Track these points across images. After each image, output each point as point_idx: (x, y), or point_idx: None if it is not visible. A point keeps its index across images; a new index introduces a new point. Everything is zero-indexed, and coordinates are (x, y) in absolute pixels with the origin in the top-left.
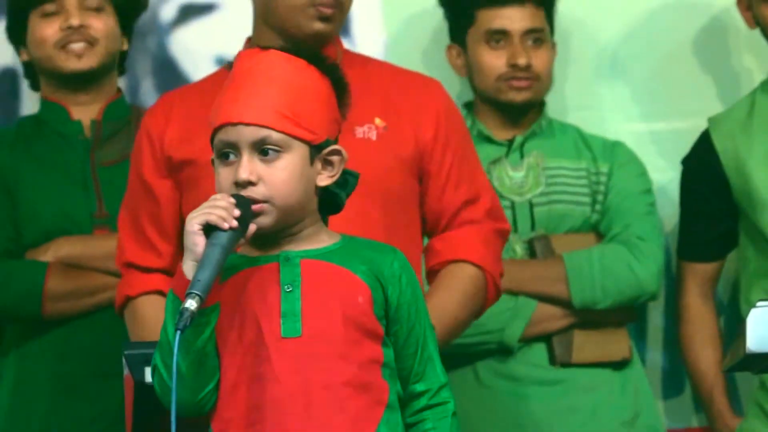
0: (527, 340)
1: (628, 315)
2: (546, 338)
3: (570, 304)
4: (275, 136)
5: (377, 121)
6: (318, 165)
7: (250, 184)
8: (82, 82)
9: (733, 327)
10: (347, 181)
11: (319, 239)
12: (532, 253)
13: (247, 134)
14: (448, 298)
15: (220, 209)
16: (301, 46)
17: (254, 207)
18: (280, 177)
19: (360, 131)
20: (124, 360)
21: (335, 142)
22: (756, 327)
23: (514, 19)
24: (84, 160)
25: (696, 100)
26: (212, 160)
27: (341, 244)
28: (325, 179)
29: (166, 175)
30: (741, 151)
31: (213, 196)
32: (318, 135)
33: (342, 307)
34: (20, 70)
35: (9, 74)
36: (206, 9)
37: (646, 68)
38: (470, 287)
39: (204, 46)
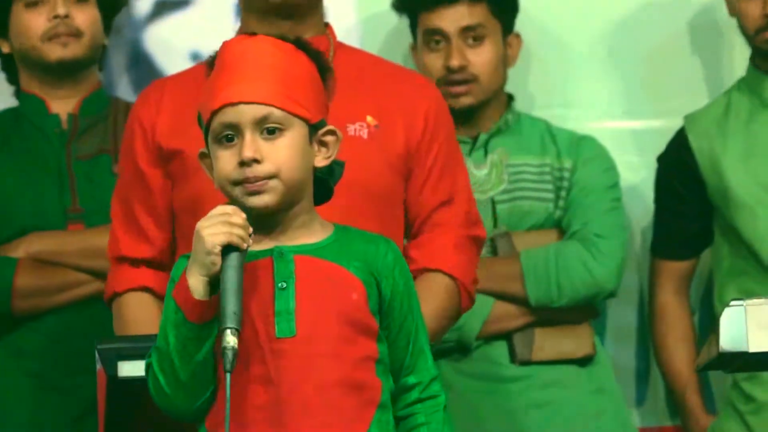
0: (487, 338)
1: (590, 312)
2: (507, 336)
3: (526, 302)
4: (277, 113)
5: (369, 119)
6: (315, 146)
7: (255, 161)
8: (65, 72)
9: (706, 326)
10: (333, 169)
11: (313, 231)
12: (494, 250)
13: (249, 113)
14: (423, 310)
15: (239, 228)
16: (277, 15)
17: (262, 183)
18: (284, 153)
19: (351, 129)
20: (96, 355)
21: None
22: (729, 326)
23: (448, 19)
24: (60, 154)
25: (672, 99)
26: (200, 154)
27: (334, 237)
28: (321, 160)
29: (158, 164)
30: (716, 149)
31: (223, 210)
32: (314, 114)
33: (336, 305)
34: None
35: None
36: (181, 4)
37: (626, 66)
38: (444, 298)
39: (179, 40)
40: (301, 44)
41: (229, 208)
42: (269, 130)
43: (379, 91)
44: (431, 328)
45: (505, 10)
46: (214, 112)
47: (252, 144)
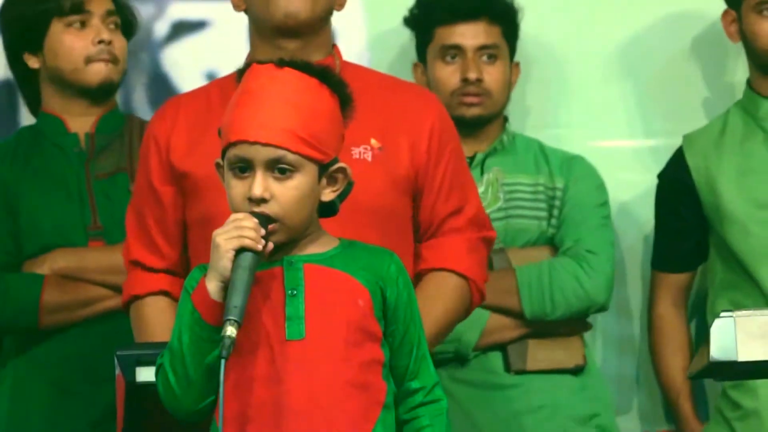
0: (483, 349)
1: (582, 326)
2: (501, 347)
3: (521, 315)
4: (290, 156)
5: (373, 141)
6: (324, 181)
7: (263, 201)
8: (100, 95)
9: (702, 336)
10: (343, 189)
11: (320, 243)
12: (489, 266)
13: (264, 153)
14: (432, 306)
15: (250, 231)
16: (285, 37)
17: (270, 227)
18: (291, 195)
19: (356, 152)
20: (115, 360)
21: (339, 159)
22: (719, 336)
23: (467, 35)
24: (79, 173)
25: (666, 120)
26: (216, 164)
27: (341, 248)
28: (328, 194)
29: (171, 182)
30: (712, 167)
31: (236, 216)
32: (328, 155)
33: (344, 310)
34: None
35: (7, 87)
36: (198, 26)
37: (623, 87)
38: (454, 296)
39: (195, 61)
40: (326, 77)
41: (241, 215)
42: (281, 170)
43: (383, 110)
44: (441, 324)
45: (513, 35)
46: (231, 143)
47: (262, 183)
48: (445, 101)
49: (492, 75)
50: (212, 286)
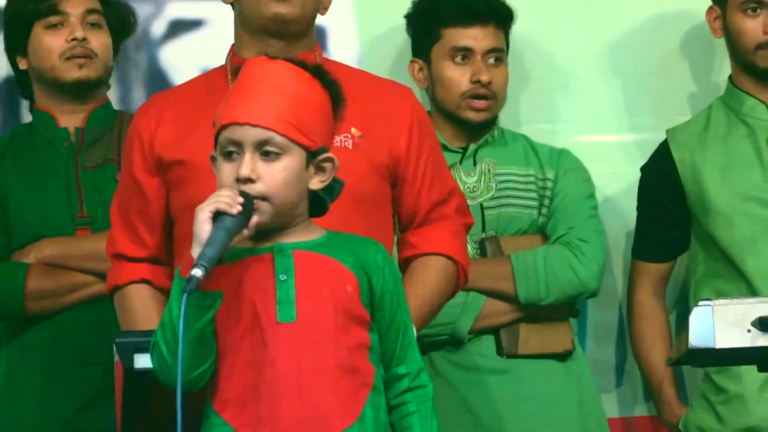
0: (477, 333)
1: (570, 311)
2: (494, 331)
3: (516, 300)
4: (278, 138)
5: (353, 130)
6: (312, 170)
7: (250, 180)
8: (78, 91)
9: (682, 324)
10: (333, 188)
11: (308, 232)
12: (482, 252)
13: (252, 134)
14: (424, 286)
15: (226, 197)
16: (271, 35)
17: (256, 202)
18: (278, 177)
19: (338, 140)
20: (114, 348)
21: (328, 150)
22: (697, 324)
23: (478, 38)
24: (68, 165)
25: (645, 116)
26: (211, 156)
27: (328, 237)
28: (316, 183)
29: (155, 174)
30: (697, 160)
31: (218, 190)
32: (315, 142)
33: (332, 295)
34: None
35: (10, 84)
36: (194, 25)
37: (609, 84)
38: (444, 277)
39: (191, 59)
40: (318, 73)
41: (223, 188)
42: (268, 152)
43: (363, 102)
44: (433, 304)
45: (508, 40)
46: (223, 127)
47: (250, 164)
48: (454, 101)
49: (498, 78)
50: (195, 252)
